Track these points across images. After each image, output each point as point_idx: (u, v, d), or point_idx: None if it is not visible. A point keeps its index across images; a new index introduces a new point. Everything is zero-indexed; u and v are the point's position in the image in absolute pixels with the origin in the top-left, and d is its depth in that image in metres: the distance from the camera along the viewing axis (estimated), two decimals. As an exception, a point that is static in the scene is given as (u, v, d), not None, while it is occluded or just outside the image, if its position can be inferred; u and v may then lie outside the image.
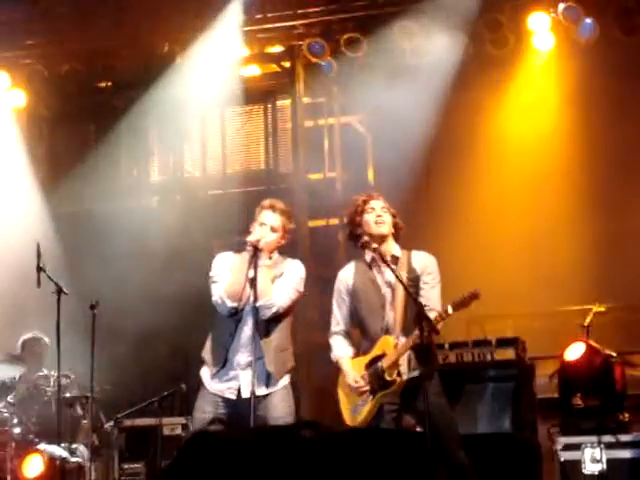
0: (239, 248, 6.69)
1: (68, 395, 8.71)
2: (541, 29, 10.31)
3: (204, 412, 6.48)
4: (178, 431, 8.76)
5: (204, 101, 11.06)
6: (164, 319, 10.58)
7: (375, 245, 6.43)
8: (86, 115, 11.60)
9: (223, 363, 6.50)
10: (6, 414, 8.47)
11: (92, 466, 8.46)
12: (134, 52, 10.94)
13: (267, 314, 6.49)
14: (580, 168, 10.67)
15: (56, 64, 11.08)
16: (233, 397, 6.45)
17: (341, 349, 6.62)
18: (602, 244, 10.49)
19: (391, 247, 6.55)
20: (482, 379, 8.28)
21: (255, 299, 6.43)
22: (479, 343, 8.52)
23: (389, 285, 6.48)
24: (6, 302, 10.57)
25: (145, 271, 10.50)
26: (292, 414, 6.51)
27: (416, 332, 6.14)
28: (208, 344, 6.65)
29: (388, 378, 6.34)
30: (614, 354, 8.24)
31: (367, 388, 6.41)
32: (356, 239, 6.54)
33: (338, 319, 6.65)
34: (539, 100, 10.88)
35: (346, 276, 6.64)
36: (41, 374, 8.89)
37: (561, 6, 10.05)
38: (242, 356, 6.46)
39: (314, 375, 10.22)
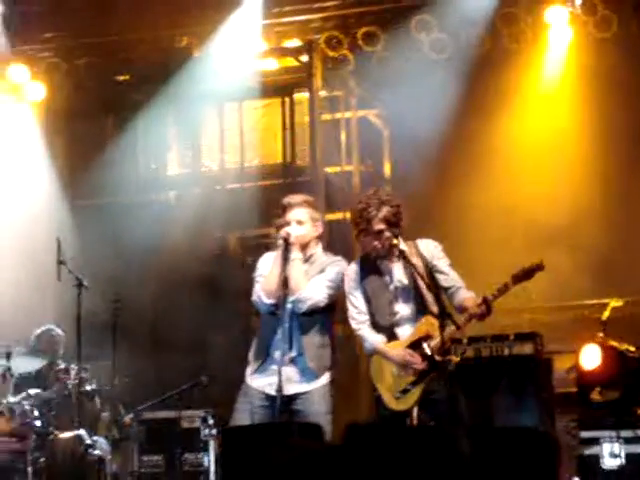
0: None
1: (88, 388, 8.75)
2: (558, 23, 10.32)
3: (244, 405, 6.49)
4: (197, 424, 8.77)
5: (222, 95, 11.09)
6: (182, 312, 10.63)
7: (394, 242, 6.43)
8: (104, 108, 11.61)
9: (264, 358, 6.53)
10: (27, 406, 8.53)
11: (112, 459, 8.53)
12: (152, 45, 11.00)
13: (302, 308, 6.49)
14: (596, 162, 10.65)
15: (74, 57, 11.14)
16: (273, 393, 6.40)
17: (376, 337, 6.50)
18: (619, 238, 10.48)
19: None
20: (500, 374, 8.29)
21: (290, 294, 6.48)
22: (497, 338, 8.51)
23: (399, 280, 6.49)
24: (26, 294, 10.64)
25: (163, 265, 10.55)
26: (331, 412, 6.49)
27: (468, 315, 6.27)
28: (253, 344, 6.69)
29: (439, 358, 6.25)
30: (632, 348, 8.25)
31: (423, 365, 6.31)
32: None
33: (360, 308, 6.55)
34: (557, 94, 10.87)
35: (354, 271, 6.60)
36: (61, 367, 8.94)
37: (578, -1, 10.07)
38: (282, 352, 6.44)
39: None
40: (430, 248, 6.58)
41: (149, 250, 10.50)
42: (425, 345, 6.35)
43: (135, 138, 11.39)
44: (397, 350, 6.42)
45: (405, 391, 6.38)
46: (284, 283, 6.44)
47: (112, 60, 11.12)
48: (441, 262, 6.54)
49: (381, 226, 6.44)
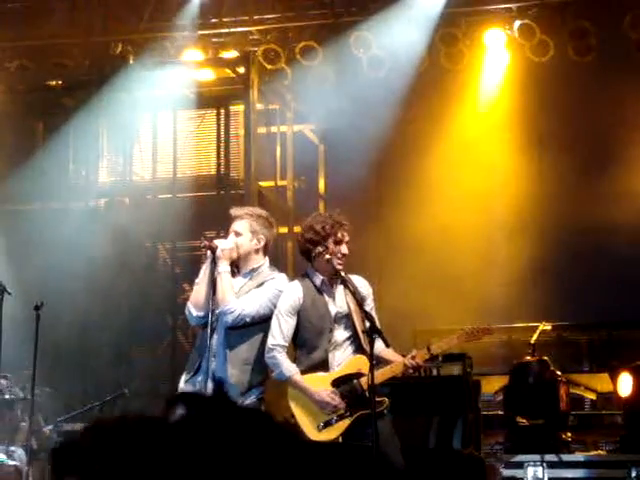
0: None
1: (7, 397, 8.54)
2: (496, 45, 10.38)
3: None
4: (118, 437, 8.60)
5: (156, 104, 10.96)
6: (108, 323, 10.45)
7: (339, 267, 6.32)
8: (35, 113, 11.43)
9: (196, 370, 6.35)
10: (-57, 415, 8.30)
11: (30, 470, 8.31)
12: (86, 51, 10.82)
13: (228, 320, 6.28)
14: (531, 183, 10.74)
15: (6, 60, 10.92)
16: None
17: (292, 365, 6.29)
18: (551, 263, 10.53)
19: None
20: (429, 395, 8.24)
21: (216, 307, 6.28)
22: (426, 358, 8.45)
23: (340, 306, 6.38)
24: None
25: (90, 274, 10.35)
26: None
27: (401, 360, 6.20)
28: (191, 353, 6.53)
29: (376, 398, 6.04)
30: (559, 373, 8.26)
31: (343, 405, 6.17)
32: (315, 255, 6.38)
33: (285, 334, 6.29)
34: (493, 114, 10.93)
35: (296, 295, 6.35)
36: (-21, 375, 8.71)
37: (517, 23, 10.12)
38: (212, 364, 6.26)
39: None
40: (366, 286, 6.48)
41: (77, 258, 10.30)
42: (354, 383, 6.24)
43: (66, 144, 11.20)
44: (317, 389, 6.22)
45: (328, 423, 6.27)
46: (212, 296, 6.30)
47: (44, 64, 10.89)
48: (373, 304, 6.42)
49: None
